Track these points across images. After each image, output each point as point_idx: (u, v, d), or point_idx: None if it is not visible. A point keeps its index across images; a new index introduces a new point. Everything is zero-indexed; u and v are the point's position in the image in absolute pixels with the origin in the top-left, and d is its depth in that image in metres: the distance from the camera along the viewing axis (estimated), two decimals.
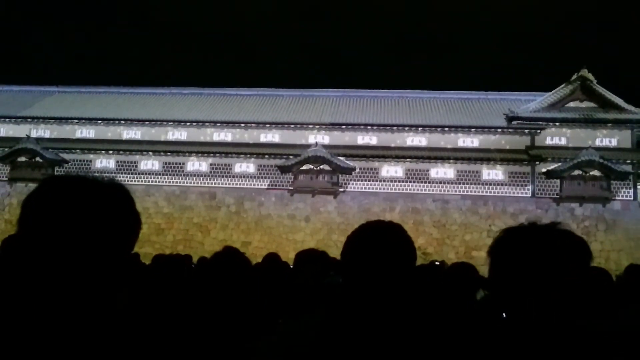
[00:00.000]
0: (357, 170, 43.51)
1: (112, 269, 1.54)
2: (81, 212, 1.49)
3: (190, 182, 45.38)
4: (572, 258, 2.03)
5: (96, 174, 1.68)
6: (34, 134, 47.13)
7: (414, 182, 43.70)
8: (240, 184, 44.90)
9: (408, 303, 2.23)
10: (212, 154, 45.37)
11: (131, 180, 43.71)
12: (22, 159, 45.62)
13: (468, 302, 5.25)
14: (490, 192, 42.97)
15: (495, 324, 2.13)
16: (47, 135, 47.97)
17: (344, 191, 43.55)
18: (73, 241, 1.47)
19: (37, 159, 45.37)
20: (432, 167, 43.71)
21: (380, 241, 2.19)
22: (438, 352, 2.12)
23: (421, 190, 43.39)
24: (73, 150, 46.40)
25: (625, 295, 5.27)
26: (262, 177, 44.92)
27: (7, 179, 45.84)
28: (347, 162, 43.17)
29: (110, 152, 46.33)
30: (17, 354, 1.37)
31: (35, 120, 48.61)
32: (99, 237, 1.50)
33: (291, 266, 5.40)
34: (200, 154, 45.51)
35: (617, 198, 41.84)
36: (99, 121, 47.98)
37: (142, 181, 44.78)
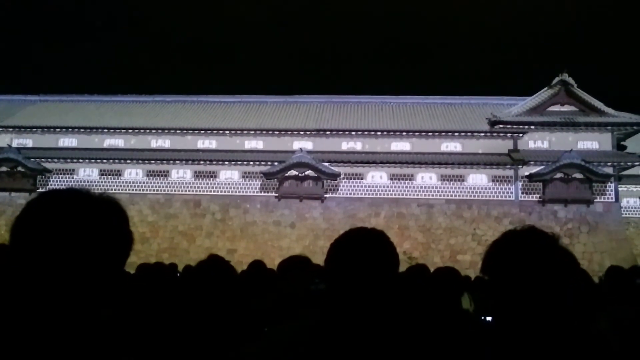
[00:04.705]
0: (342, 175, 43.59)
1: (102, 285, 1.54)
2: (75, 228, 1.49)
3: (175, 190, 45.15)
4: (566, 267, 2.06)
5: (84, 185, 1.68)
6: (15, 144, 46.63)
7: (399, 187, 43.87)
8: (225, 191, 44.76)
9: (393, 309, 2.25)
10: (196, 162, 45.20)
11: (115, 189, 43.39)
12: (4, 168, 45.09)
13: (453, 306, 5.28)
14: (475, 195, 43.27)
15: (481, 326, 2.16)
16: (29, 144, 47.49)
17: (329, 197, 43.59)
18: (65, 257, 1.47)
19: (19, 168, 44.87)
20: (416, 172, 43.92)
21: (362, 248, 2.21)
22: (426, 356, 2.14)
23: (406, 195, 43.57)
24: (55, 160, 45.95)
25: (607, 296, 5.34)
26: (247, 184, 44.82)
27: None
28: (332, 168, 43.24)
29: (94, 160, 45.95)
30: None
31: (17, 129, 48.10)
32: (92, 254, 1.50)
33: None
34: (184, 162, 45.31)
35: (599, 200, 42.33)
36: (82, 130, 47.59)
37: (126, 190, 44.46)
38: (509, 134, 44.54)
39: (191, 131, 47.03)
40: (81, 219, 1.51)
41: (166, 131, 47.17)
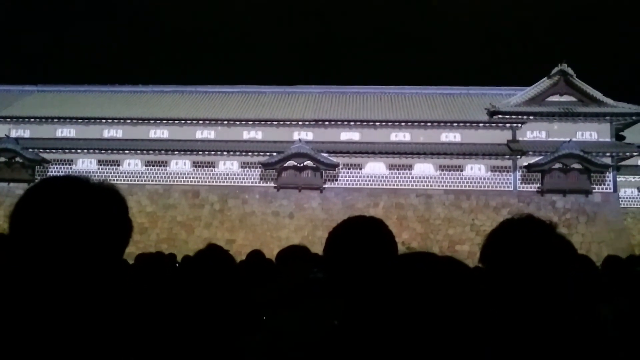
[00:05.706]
0: (341, 166, 43.57)
1: (103, 272, 1.53)
2: (74, 216, 1.48)
3: (174, 181, 45.11)
4: (564, 254, 2.05)
5: (84, 174, 1.66)
6: (13, 134, 46.52)
7: (398, 177, 43.86)
8: (224, 182, 44.73)
9: (394, 296, 2.25)
10: (195, 152, 45.14)
11: (113, 180, 42.93)
12: (2, 159, 45.01)
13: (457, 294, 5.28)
14: (473, 186, 43.29)
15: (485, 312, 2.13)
16: (26, 134, 47.36)
17: (328, 187, 43.60)
18: (64, 245, 1.46)
19: (17, 159, 44.79)
20: (415, 163, 43.90)
21: (361, 236, 2.21)
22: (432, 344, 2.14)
23: (404, 185, 43.58)
24: (54, 150, 45.87)
25: (605, 286, 5.35)
26: (245, 175, 44.80)
27: None
28: (331, 158, 43.22)
29: (92, 151, 45.88)
30: (5, 354, 1.37)
31: (15, 119, 47.95)
32: (91, 241, 1.49)
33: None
34: (183, 152, 45.24)
35: (597, 190, 42.37)
36: (80, 120, 47.46)
37: (124, 180, 44.39)
38: (508, 124, 44.50)
39: (190, 121, 46.92)
40: (81, 206, 1.50)
41: (165, 121, 47.06)
